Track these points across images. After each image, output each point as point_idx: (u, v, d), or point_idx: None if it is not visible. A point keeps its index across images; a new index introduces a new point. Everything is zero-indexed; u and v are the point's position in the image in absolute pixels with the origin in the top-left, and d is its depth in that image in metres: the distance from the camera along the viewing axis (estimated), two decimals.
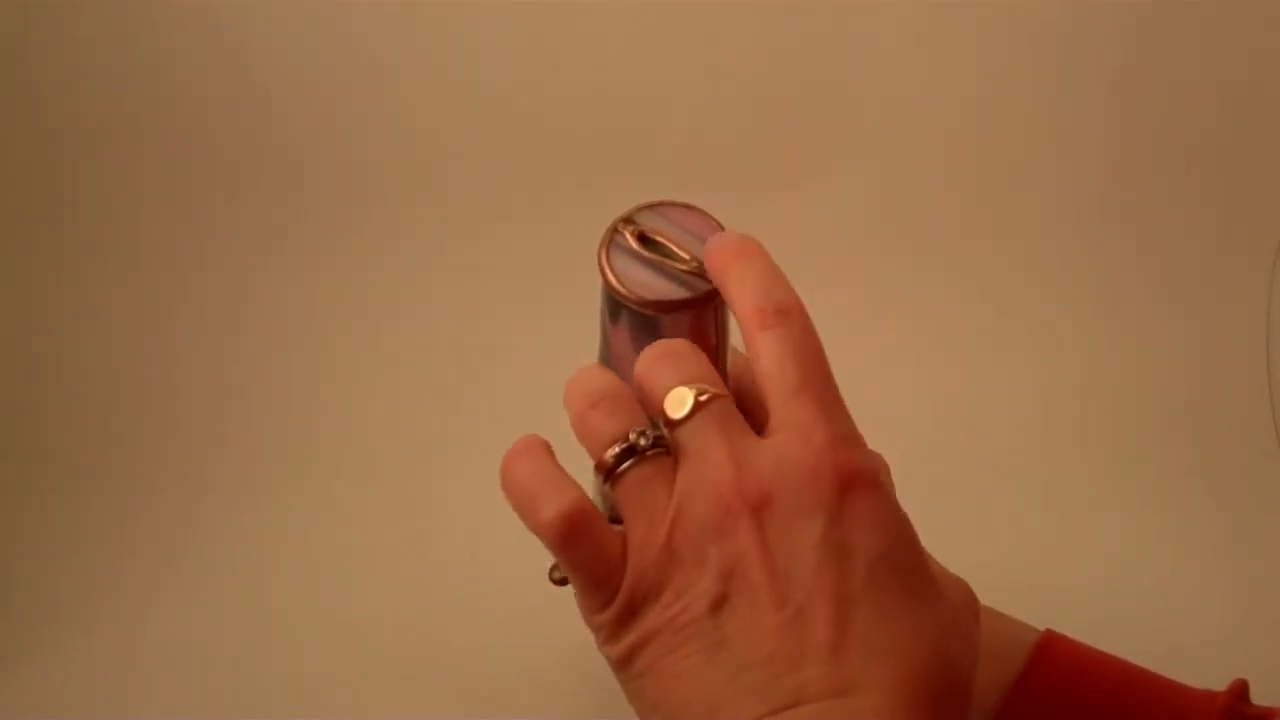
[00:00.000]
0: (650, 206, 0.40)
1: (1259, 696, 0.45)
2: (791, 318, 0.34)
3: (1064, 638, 0.44)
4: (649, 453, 0.34)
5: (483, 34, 0.81)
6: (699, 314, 0.38)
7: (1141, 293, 0.81)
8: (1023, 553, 0.67)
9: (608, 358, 0.41)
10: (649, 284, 0.38)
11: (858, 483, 0.32)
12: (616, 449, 0.34)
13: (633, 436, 0.34)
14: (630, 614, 0.33)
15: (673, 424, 0.34)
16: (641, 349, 0.37)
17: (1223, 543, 0.68)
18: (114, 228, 0.82)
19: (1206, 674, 0.45)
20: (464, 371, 0.81)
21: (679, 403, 0.34)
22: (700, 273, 0.38)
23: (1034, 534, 0.69)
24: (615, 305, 0.39)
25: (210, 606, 0.67)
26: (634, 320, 0.39)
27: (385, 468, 0.75)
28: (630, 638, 0.33)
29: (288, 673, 0.62)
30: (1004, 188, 0.82)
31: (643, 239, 0.39)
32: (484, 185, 0.83)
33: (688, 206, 0.40)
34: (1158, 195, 0.82)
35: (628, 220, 0.40)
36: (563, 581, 0.41)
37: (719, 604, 0.31)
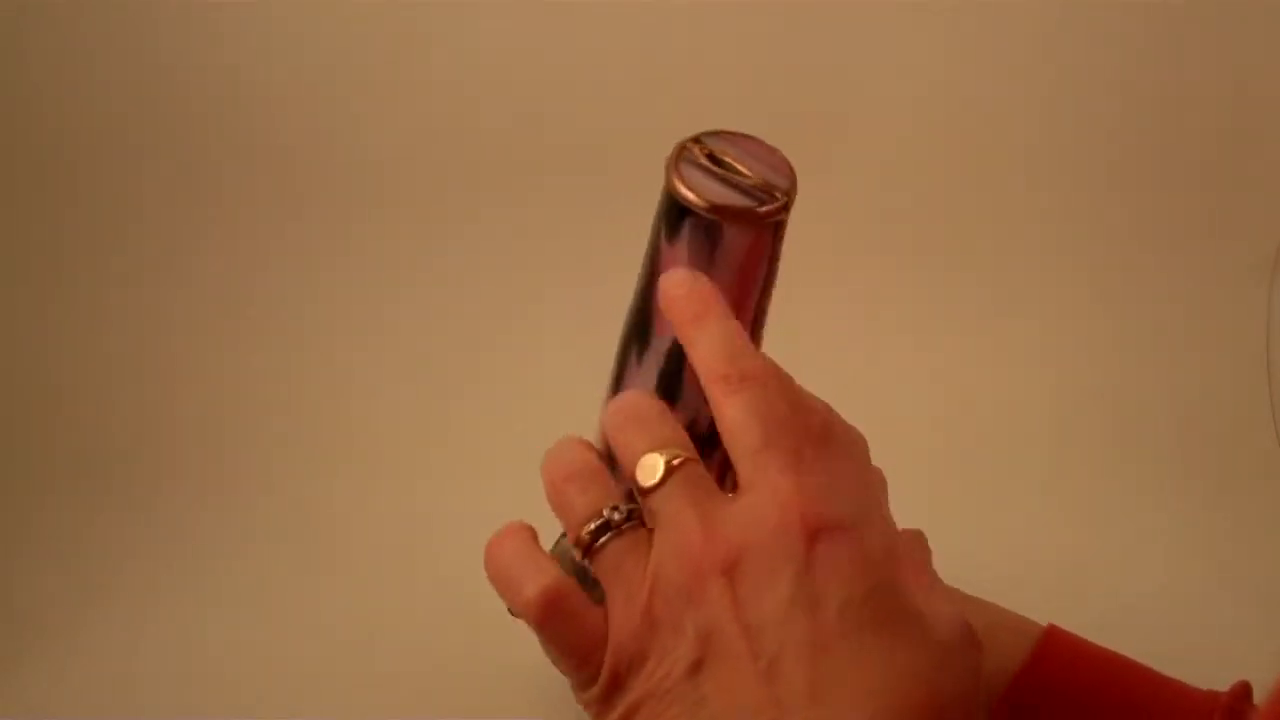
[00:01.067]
0: (715, 133, 0.41)
1: (1259, 696, 0.45)
2: (753, 381, 0.35)
3: (1067, 633, 0.44)
4: (624, 526, 0.34)
5: (481, 34, 0.81)
6: (762, 231, 0.39)
7: (1142, 293, 0.81)
8: (1023, 551, 0.67)
9: (646, 292, 0.41)
10: (720, 193, 0.39)
11: (825, 532, 0.32)
12: (592, 525, 0.35)
13: (606, 513, 0.35)
14: (616, 687, 0.33)
15: (645, 492, 0.35)
16: (698, 268, 0.38)
17: (1223, 543, 0.68)
18: (113, 230, 0.82)
19: (1205, 673, 0.45)
20: (464, 376, 0.81)
21: (650, 470, 0.34)
22: (769, 191, 0.39)
23: (1034, 533, 0.69)
24: (677, 218, 0.39)
25: (210, 608, 0.67)
26: (696, 233, 0.39)
27: (384, 470, 0.75)
28: (618, 711, 0.33)
29: (287, 674, 0.62)
30: (1005, 187, 0.82)
31: (712, 158, 0.40)
32: (483, 188, 0.83)
33: (749, 136, 0.41)
34: (1158, 195, 0.82)
35: (696, 140, 0.40)
36: None
37: (697, 666, 0.31)
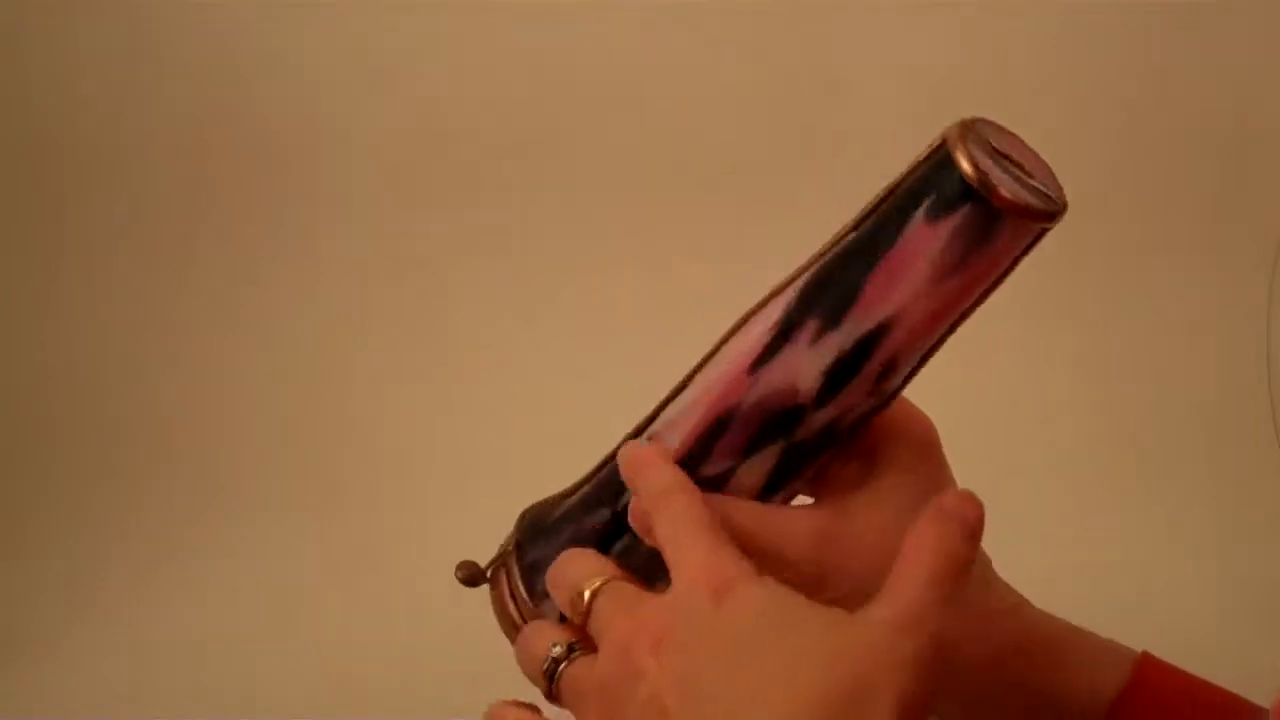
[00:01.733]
0: (985, 121, 0.37)
1: (1257, 696, 0.45)
2: (659, 501, 0.38)
3: (1160, 661, 0.44)
4: (571, 657, 0.37)
5: (479, 36, 0.81)
6: (1030, 237, 0.36)
7: (1142, 293, 0.81)
8: (1022, 552, 0.67)
9: (856, 259, 0.37)
10: (1011, 186, 0.35)
11: (729, 583, 0.34)
12: (542, 668, 0.38)
13: (550, 651, 0.38)
14: None
15: (582, 624, 0.37)
16: (948, 261, 0.35)
17: (1223, 543, 0.68)
18: (110, 235, 0.82)
19: (1204, 672, 0.45)
20: (461, 376, 0.81)
21: (578, 605, 0.37)
22: (1049, 198, 0.36)
23: (1033, 534, 0.69)
24: (955, 199, 0.35)
25: (207, 609, 0.67)
26: (971, 219, 0.35)
27: (379, 472, 0.75)
28: None
29: (284, 675, 0.62)
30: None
31: (993, 148, 0.36)
32: (480, 192, 0.83)
33: (1015, 134, 0.38)
34: (1158, 196, 0.81)
35: (974, 124, 0.36)
36: (467, 581, 0.44)
37: None
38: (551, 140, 0.82)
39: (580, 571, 0.38)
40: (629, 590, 0.37)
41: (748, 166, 0.82)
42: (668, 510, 0.38)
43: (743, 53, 0.81)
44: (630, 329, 0.78)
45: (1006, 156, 0.36)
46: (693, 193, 0.81)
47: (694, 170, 0.81)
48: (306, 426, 0.78)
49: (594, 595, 0.37)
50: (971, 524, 0.36)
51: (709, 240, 0.81)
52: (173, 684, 0.62)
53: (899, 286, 0.36)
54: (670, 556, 0.36)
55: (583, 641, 0.38)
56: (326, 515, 0.72)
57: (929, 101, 0.81)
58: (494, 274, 0.82)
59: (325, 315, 0.82)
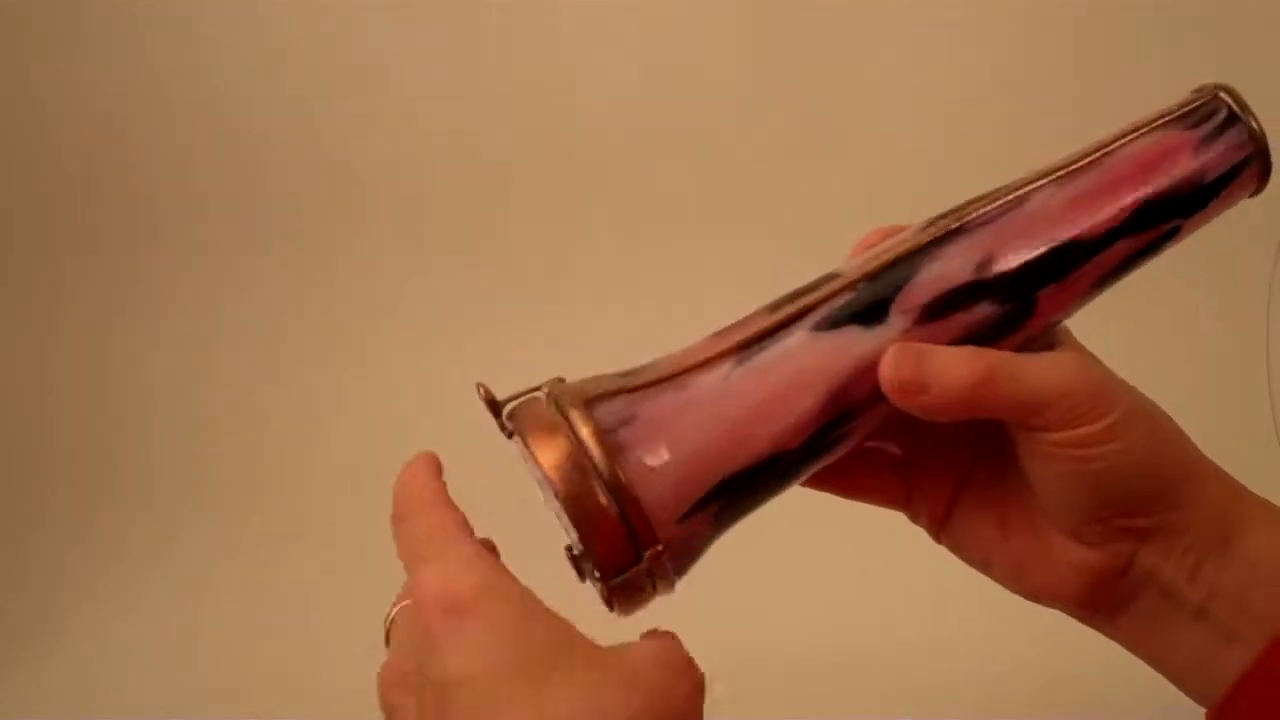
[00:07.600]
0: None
1: None
2: (397, 526, 0.38)
3: None
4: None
5: (477, 36, 0.81)
6: (1239, 199, 0.41)
7: (1140, 293, 0.81)
8: None
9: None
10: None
11: (455, 607, 0.33)
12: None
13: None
14: None
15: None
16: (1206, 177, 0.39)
17: None
18: (106, 246, 0.82)
19: None
20: (449, 379, 0.80)
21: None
22: None
23: None
24: (1225, 125, 0.41)
25: (202, 610, 0.67)
26: (1232, 156, 0.41)
27: (372, 474, 0.75)
28: None
29: (279, 675, 0.62)
30: None
31: None
32: (465, 202, 0.83)
33: None
34: None
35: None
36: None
37: None
38: (547, 145, 0.82)
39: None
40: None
41: (750, 168, 0.82)
42: (398, 537, 0.37)
43: (742, 55, 0.81)
44: (621, 344, 0.78)
45: None
46: (690, 196, 0.81)
47: (691, 174, 0.81)
48: (296, 431, 0.78)
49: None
50: None
51: (706, 247, 0.81)
52: (171, 685, 0.62)
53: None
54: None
55: None
56: (321, 518, 0.72)
57: (929, 104, 0.81)
58: (476, 294, 0.82)
59: (312, 321, 0.82)
